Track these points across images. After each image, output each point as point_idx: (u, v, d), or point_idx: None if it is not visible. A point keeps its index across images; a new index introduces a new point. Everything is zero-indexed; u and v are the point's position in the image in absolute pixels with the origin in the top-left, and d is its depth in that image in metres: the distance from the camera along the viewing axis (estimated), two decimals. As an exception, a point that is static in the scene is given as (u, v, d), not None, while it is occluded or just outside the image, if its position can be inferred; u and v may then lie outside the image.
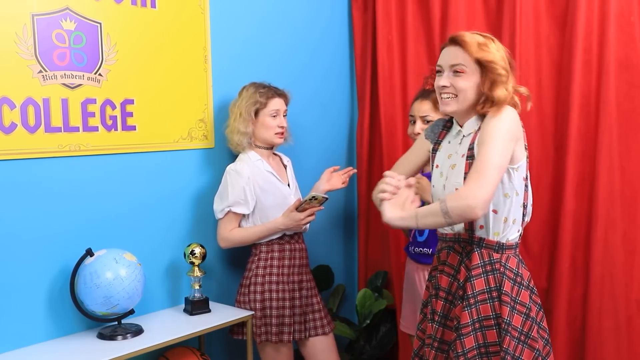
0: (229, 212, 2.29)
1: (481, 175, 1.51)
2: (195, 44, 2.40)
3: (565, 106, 2.42)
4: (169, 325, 2.12)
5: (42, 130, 1.97)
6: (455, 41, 1.64)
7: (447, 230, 1.73)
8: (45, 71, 1.96)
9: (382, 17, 2.95)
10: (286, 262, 2.35)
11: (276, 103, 2.35)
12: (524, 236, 2.52)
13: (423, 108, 2.27)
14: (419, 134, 2.24)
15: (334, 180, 2.46)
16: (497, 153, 1.53)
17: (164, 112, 2.30)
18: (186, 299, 2.28)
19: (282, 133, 2.37)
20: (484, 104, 1.63)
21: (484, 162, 1.53)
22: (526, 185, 1.71)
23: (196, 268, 2.25)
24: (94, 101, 2.09)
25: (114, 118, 2.15)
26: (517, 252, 1.72)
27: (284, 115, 2.38)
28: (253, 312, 2.26)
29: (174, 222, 2.36)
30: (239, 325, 2.28)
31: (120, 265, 1.96)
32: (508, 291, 1.61)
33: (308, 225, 2.40)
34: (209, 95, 2.46)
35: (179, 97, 2.35)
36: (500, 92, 1.59)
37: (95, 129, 2.10)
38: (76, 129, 2.05)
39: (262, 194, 2.32)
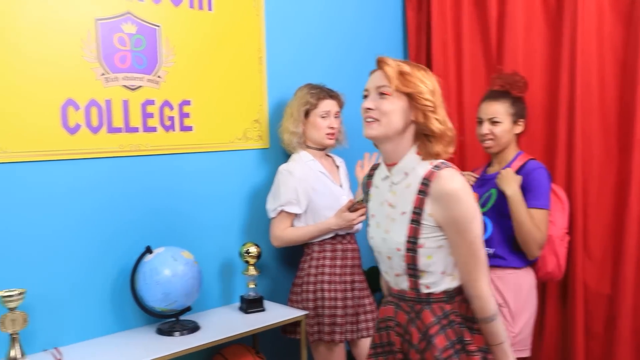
0: (281, 211, 2.30)
1: (482, 267, 1.54)
2: (250, 46, 2.43)
3: (629, 106, 2.33)
4: (224, 323, 2.15)
5: (105, 130, 2.03)
6: (380, 65, 1.55)
7: (392, 284, 1.64)
8: (108, 73, 2.03)
9: (437, 17, 2.91)
10: (338, 262, 2.35)
11: (327, 104, 2.36)
12: (585, 240, 2.45)
13: (490, 109, 2.22)
14: (486, 134, 2.22)
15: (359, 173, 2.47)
16: (479, 235, 1.51)
17: (219, 113, 2.34)
18: (241, 298, 2.31)
19: (333, 134, 2.37)
20: (420, 141, 1.54)
21: (476, 254, 1.51)
22: None
23: (251, 267, 2.27)
24: (152, 102, 2.15)
25: (172, 119, 2.20)
26: (459, 299, 1.60)
27: (335, 117, 2.38)
28: (307, 312, 2.27)
29: (230, 221, 2.40)
30: (293, 325, 2.29)
31: (178, 263, 2.00)
32: (470, 339, 1.54)
33: (360, 225, 2.40)
34: (264, 96, 2.48)
35: (235, 98, 2.39)
36: (434, 124, 1.50)
37: (154, 129, 2.16)
38: (136, 130, 2.11)
39: (314, 194, 2.33)
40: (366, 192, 1.71)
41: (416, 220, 1.51)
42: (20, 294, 1.76)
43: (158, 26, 2.15)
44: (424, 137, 1.52)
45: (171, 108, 2.20)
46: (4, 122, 1.82)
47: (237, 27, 2.38)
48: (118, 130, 2.07)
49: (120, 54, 2.06)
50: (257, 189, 2.47)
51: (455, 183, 1.47)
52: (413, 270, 1.53)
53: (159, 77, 2.16)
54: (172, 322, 2.08)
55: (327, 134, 2.36)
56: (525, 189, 2.13)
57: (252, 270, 2.27)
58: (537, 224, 2.10)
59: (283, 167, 2.33)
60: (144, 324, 2.13)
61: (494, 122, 2.21)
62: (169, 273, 1.97)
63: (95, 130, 2.01)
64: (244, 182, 2.44)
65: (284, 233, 2.33)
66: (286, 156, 2.46)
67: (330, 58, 2.74)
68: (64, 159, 1.95)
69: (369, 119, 1.52)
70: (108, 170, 2.05)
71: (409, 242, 1.52)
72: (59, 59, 1.92)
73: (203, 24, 2.27)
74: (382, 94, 1.51)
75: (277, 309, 2.30)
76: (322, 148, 2.42)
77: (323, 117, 2.34)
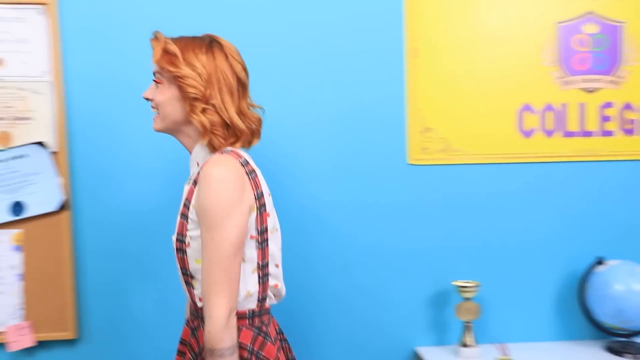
0: None
1: (223, 283, 1.23)
2: None
3: None
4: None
5: (560, 134, 2.01)
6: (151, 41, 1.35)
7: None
8: (565, 77, 2.00)
9: None
10: None
11: None
12: None
13: None
14: None
15: None
16: (228, 240, 1.23)
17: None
18: None
19: None
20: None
21: (219, 262, 1.22)
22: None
23: None
24: (611, 105, 2.02)
25: (633, 122, 2.02)
26: (257, 324, 1.32)
27: None
28: None
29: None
30: None
31: (635, 279, 1.82)
32: None
33: None
34: None
35: None
36: (195, 117, 1.29)
37: (611, 133, 2.02)
38: (590, 134, 2.02)
39: None
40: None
41: (184, 214, 1.31)
42: (475, 286, 1.90)
43: (622, 23, 2.00)
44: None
45: (633, 110, 2.02)
46: (464, 125, 1.99)
47: None
48: (572, 134, 2.01)
49: (580, 55, 2.00)
50: None
51: (215, 168, 1.23)
52: (185, 276, 1.34)
53: (619, 77, 2.01)
54: (624, 342, 1.91)
55: None
56: None
57: None
58: None
59: None
60: (592, 338, 2.02)
61: None
62: (622, 288, 1.82)
63: (549, 133, 2.01)
64: None
65: None
66: None
67: None
68: (518, 162, 2.01)
69: (153, 111, 1.37)
70: (560, 174, 2.01)
71: (177, 240, 1.32)
72: (518, 65, 1.99)
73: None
74: (155, 81, 1.34)
75: None
76: None
77: None
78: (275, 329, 1.41)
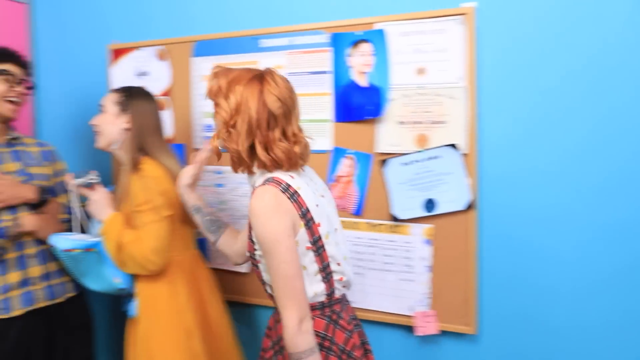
0: None
1: (288, 297, 1.42)
2: None
3: None
4: None
5: None
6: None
7: None
8: None
9: None
10: None
11: None
12: None
13: None
14: None
15: None
16: (284, 262, 1.41)
17: None
18: None
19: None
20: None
21: (279, 282, 1.42)
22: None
23: None
24: None
25: None
26: (328, 313, 1.49)
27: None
28: None
29: None
30: None
31: None
32: None
33: None
34: None
35: None
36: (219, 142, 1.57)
37: None
38: None
39: None
40: None
41: (250, 236, 1.50)
42: None
43: None
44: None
45: None
46: None
47: None
48: None
49: None
50: None
51: (256, 202, 1.40)
52: (263, 284, 1.56)
53: None
54: None
55: None
56: None
57: None
58: None
59: None
60: None
61: None
62: None
63: None
64: None
65: None
66: None
67: None
68: None
69: None
70: None
71: (250, 256, 1.54)
72: None
73: None
74: None
75: None
76: None
77: None
78: (349, 315, 1.56)
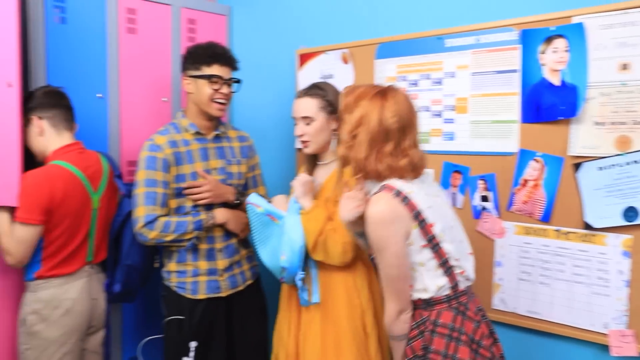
0: None
1: (391, 293, 1.61)
2: None
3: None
4: None
5: None
6: None
7: None
8: None
9: None
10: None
11: None
12: None
13: None
14: None
15: None
16: (390, 266, 1.57)
17: None
18: None
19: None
20: None
21: (385, 280, 1.60)
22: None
23: None
24: None
25: None
26: (454, 305, 1.57)
27: None
28: None
29: None
30: None
31: None
32: (440, 349, 1.53)
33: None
34: None
35: None
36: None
37: None
38: None
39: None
40: None
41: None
42: None
43: None
44: None
45: None
46: None
47: None
48: None
49: None
50: None
51: (370, 209, 1.54)
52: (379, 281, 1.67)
53: None
54: None
55: None
56: None
57: None
58: None
59: None
60: None
61: None
62: None
63: None
64: None
65: None
66: None
67: None
68: None
69: None
70: None
71: (370, 258, 1.69)
72: None
73: None
74: None
75: None
76: None
77: None
78: (476, 307, 1.62)
